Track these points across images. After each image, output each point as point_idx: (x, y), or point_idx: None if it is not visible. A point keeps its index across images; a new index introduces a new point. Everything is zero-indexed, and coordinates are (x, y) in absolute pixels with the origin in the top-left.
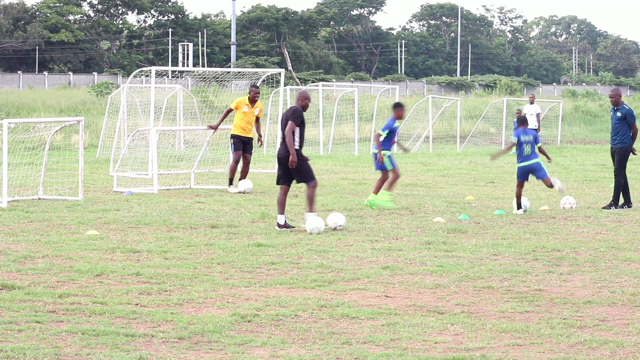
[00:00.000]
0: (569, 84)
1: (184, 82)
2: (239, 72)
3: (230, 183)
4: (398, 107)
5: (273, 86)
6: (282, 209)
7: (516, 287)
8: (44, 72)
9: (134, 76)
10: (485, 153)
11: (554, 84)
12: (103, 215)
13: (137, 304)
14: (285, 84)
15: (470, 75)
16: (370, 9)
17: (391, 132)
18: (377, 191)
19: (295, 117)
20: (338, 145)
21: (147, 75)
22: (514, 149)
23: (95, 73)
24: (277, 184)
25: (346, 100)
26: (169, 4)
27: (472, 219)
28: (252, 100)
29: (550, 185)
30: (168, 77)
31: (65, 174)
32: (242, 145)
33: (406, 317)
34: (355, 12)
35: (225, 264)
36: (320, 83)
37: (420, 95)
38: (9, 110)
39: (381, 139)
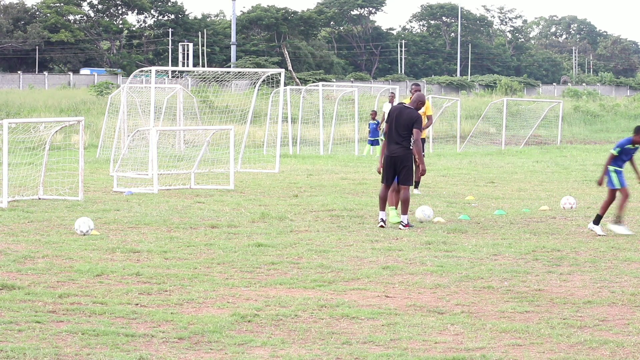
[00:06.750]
0: (569, 84)
1: (184, 82)
2: (239, 72)
3: (415, 187)
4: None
5: (273, 86)
6: (383, 205)
7: (516, 287)
8: (44, 72)
9: (134, 76)
10: (485, 153)
11: (554, 84)
12: (103, 215)
13: (137, 304)
14: (286, 84)
15: (470, 75)
16: (370, 9)
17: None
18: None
19: (420, 124)
20: (338, 145)
21: (147, 75)
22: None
23: (95, 73)
24: (382, 182)
25: (346, 100)
26: (169, 4)
27: (472, 219)
28: None
29: None
30: (168, 77)
31: (65, 174)
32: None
33: (406, 317)
34: (355, 12)
35: (225, 264)
36: (320, 83)
37: None
38: (9, 110)
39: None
